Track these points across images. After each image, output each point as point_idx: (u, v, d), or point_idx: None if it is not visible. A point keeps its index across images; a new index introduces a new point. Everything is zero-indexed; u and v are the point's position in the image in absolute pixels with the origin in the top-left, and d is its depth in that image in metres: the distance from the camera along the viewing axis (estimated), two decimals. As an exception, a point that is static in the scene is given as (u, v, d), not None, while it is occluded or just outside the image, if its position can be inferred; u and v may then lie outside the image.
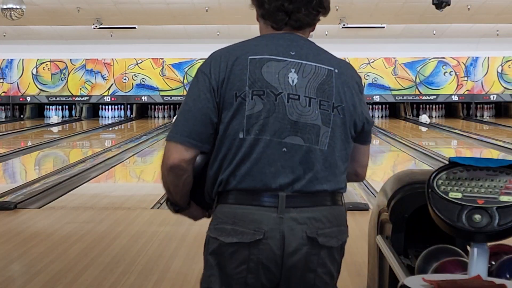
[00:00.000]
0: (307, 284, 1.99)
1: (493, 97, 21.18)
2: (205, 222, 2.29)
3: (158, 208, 6.59)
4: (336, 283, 2.10)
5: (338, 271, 2.09)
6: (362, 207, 6.34)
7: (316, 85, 1.97)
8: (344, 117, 2.00)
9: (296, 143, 1.95)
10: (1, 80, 21.52)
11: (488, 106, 21.64)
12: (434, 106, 21.54)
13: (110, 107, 21.68)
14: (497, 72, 21.21)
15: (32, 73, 21.48)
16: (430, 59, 21.14)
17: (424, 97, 21.17)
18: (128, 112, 21.47)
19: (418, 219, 3.08)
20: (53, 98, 21.48)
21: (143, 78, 21.29)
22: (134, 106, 21.49)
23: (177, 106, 21.39)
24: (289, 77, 1.94)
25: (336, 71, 1.99)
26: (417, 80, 21.17)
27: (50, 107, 21.73)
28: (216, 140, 1.98)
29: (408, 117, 20.98)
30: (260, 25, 2.08)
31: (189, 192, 2.10)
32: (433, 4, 11.96)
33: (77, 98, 21.43)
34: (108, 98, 21.42)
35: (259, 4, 2.03)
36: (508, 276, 2.45)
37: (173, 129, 1.98)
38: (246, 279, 1.96)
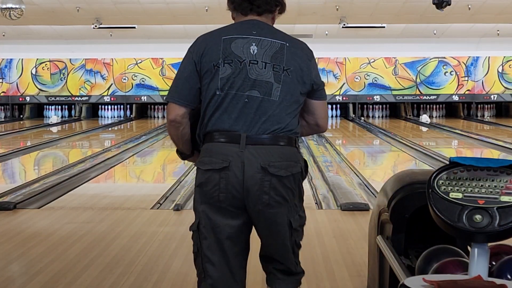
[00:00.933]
0: (263, 204, 2.60)
1: (494, 97, 21.17)
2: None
3: (158, 209, 6.59)
4: (296, 205, 2.70)
5: (296, 195, 2.68)
6: (363, 207, 6.33)
7: (271, 54, 2.64)
8: (292, 77, 2.64)
9: (254, 95, 2.62)
10: (1, 80, 21.52)
11: (489, 106, 21.63)
12: (434, 106, 21.52)
13: (109, 107, 21.67)
14: (498, 72, 21.20)
15: (32, 73, 21.48)
16: (430, 59, 21.14)
17: (424, 97, 21.16)
18: (128, 112, 21.46)
19: (419, 219, 3.08)
20: (53, 98, 21.47)
21: (143, 78, 21.29)
22: (134, 106, 21.48)
23: (177, 106, 21.39)
24: (251, 49, 2.64)
25: (287, 44, 2.67)
26: (418, 80, 21.17)
27: (50, 107, 21.72)
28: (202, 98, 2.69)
29: (408, 117, 20.97)
30: (233, 15, 2.79)
31: (188, 141, 2.79)
32: (434, 3, 11.95)
33: (76, 98, 21.43)
34: (108, 98, 21.41)
35: (231, 3, 2.76)
36: (508, 276, 2.44)
37: (168, 93, 2.72)
38: (218, 196, 2.61)
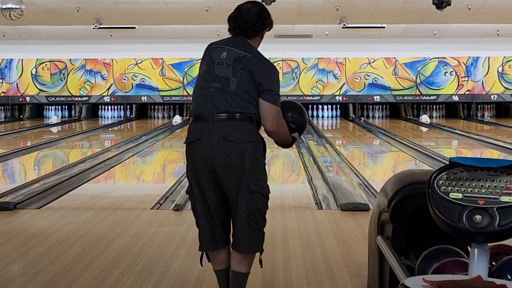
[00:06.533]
0: (226, 165, 3.33)
1: (494, 97, 21.17)
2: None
3: (158, 209, 6.59)
4: (255, 173, 3.35)
5: (254, 163, 3.34)
6: (363, 208, 6.33)
7: (234, 58, 3.43)
8: (247, 74, 3.39)
9: (218, 86, 3.40)
10: (1, 80, 21.52)
11: (489, 106, 21.62)
12: (434, 106, 21.52)
13: (109, 107, 21.66)
14: (498, 72, 21.20)
15: (32, 73, 21.48)
16: (430, 59, 21.13)
17: (424, 97, 21.16)
18: (128, 112, 21.45)
19: (419, 219, 3.08)
20: (53, 98, 21.47)
21: (143, 78, 21.28)
22: (134, 106, 21.46)
23: (177, 106, 21.39)
24: (222, 54, 3.46)
25: (250, 55, 3.44)
26: (418, 80, 21.16)
27: (50, 107, 21.71)
28: None
29: (408, 117, 20.97)
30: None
31: None
32: (434, 4, 11.96)
33: (76, 98, 21.42)
34: (108, 98, 21.41)
35: (229, 25, 3.56)
36: (509, 276, 2.44)
37: None
38: (197, 162, 3.37)
